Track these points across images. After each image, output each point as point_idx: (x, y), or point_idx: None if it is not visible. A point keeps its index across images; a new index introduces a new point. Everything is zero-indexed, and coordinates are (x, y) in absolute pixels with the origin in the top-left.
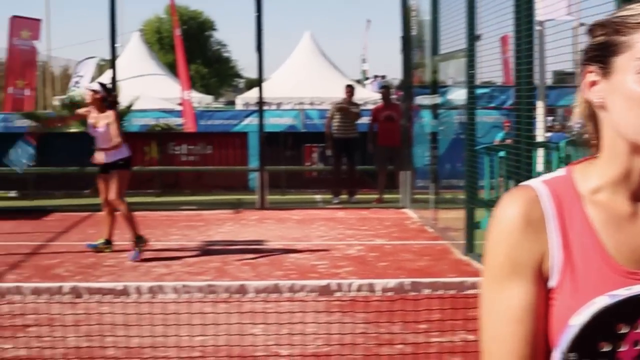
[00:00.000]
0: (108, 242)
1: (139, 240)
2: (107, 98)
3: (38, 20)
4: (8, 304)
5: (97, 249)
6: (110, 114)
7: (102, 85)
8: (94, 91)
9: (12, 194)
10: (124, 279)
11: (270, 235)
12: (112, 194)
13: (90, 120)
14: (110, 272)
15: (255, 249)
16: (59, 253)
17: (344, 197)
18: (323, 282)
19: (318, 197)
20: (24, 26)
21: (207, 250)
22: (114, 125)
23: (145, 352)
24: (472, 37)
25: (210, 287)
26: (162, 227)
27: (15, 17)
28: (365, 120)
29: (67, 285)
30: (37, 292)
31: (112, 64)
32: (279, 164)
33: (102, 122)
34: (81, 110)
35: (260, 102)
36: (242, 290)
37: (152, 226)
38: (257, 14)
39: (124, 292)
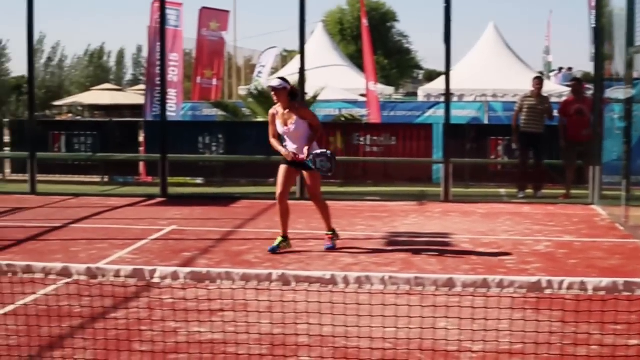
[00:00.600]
0: (285, 239)
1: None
2: (292, 91)
3: (227, 11)
4: (205, 289)
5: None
6: (299, 108)
7: (283, 79)
8: (276, 88)
9: (199, 180)
10: (311, 267)
11: (456, 229)
12: (318, 189)
13: (279, 119)
14: (299, 259)
15: (441, 242)
16: (248, 240)
17: (529, 191)
18: (533, 279)
19: (503, 191)
20: (213, 17)
21: (392, 241)
22: (311, 115)
23: (337, 341)
24: None
25: (418, 279)
26: (348, 217)
27: (204, 8)
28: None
29: (275, 272)
30: (246, 278)
31: (301, 54)
32: (462, 157)
33: (293, 117)
34: (272, 112)
35: (447, 94)
36: (449, 283)
37: (338, 216)
38: (445, 5)
39: (332, 281)
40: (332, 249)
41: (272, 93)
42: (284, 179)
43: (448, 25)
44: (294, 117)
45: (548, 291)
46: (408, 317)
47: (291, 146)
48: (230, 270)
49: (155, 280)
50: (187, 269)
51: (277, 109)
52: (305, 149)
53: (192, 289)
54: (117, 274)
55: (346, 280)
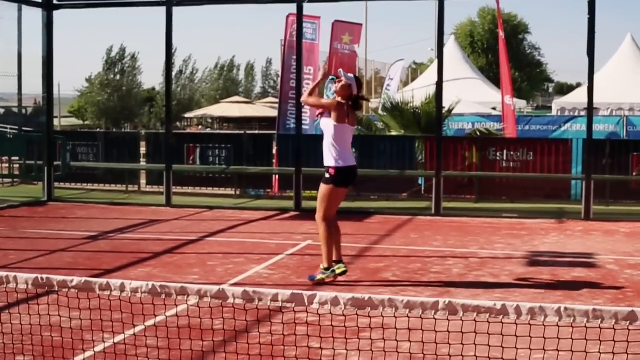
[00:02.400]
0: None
1: (328, 271)
2: (356, 95)
3: (359, 25)
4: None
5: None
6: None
7: (357, 78)
8: (346, 76)
9: None
10: (452, 287)
11: (599, 249)
12: (317, 209)
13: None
14: (438, 279)
15: (585, 263)
16: (385, 257)
17: None
18: None
19: None
20: (346, 30)
21: (534, 261)
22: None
23: None
24: None
25: (596, 312)
26: (485, 235)
27: (337, 21)
28: None
29: (442, 300)
30: (409, 306)
31: (439, 67)
32: (602, 173)
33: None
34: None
35: (590, 108)
36: (631, 317)
37: (475, 233)
38: (589, 16)
39: (503, 311)
40: (312, 280)
41: (336, 81)
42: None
43: (592, 38)
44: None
45: None
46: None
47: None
48: (394, 297)
49: (314, 306)
50: (349, 295)
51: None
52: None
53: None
54: (275, 299)
55: (518, 311)
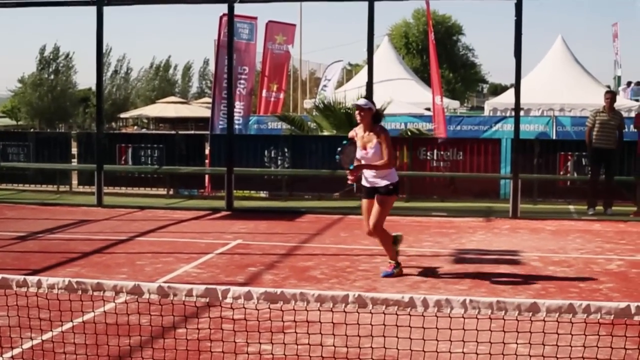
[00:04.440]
0: (397, 264)
1: (397, 266)
2: (377, 113)
3: (293, 25)
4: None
5: (394, 275)
6: (380, 132)
7: (369, 99)
8: (362, 107)
9: (263, 194)
10: (378, 284)
11: (525, 246)
12: (376, 220)
13: (358, 141)
14: (365, 276)
15: (510, 260)
16: (314, 255)
17: (599, 208)
18: (622, 305)
19: (572, 207)
20: (279, 31)
21: (460, 258)
22: (388, 144)
23: None
24: None
25: (499, 303)
26: (414, 233)
27: (271, 22)
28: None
29: (351, 294)
30: (320, 299)
31: (369, 68)
32: (531, 172)
33: (373, 141)
34: (351, 134)
35: (517, 109)
36: (533, 308)
37: (404, 231)
38: (516, 18)
39: (410, 304)
40: (390, 275)
41: (357, 112)
42: (366, 214)
43: (519, 39)
44: (375, 140)
45: (638, 317)
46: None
47: (368, 173)
48: (305, 291)
49: (228, 300)
50: (261, 289)
51: (357, 130)
52: (356, 164)
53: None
54: (189, 294)
55: (425, 304)
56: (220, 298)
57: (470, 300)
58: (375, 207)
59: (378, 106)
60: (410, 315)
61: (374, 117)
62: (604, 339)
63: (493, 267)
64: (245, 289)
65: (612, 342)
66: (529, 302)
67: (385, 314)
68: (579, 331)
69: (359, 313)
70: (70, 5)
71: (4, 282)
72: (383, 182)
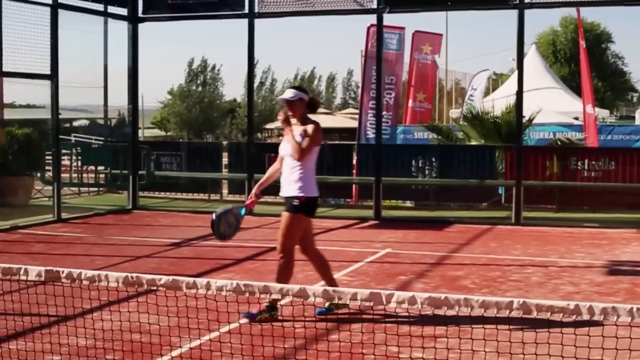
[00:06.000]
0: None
1: (269, 310)
2: (311, 102)
3: (439, 35)
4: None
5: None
6: (311, 124)
7: (298, 88)
8: (291, 100)
9: (409, 204)
10: (530, 295)
11: None
12: (280, 240)
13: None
14: (517, 287)
15: None
16: (464, 265)
17: None
18: None
19: None
20: (426, 41)
21: (614, 270)
22: (312, 137)
23: None
24: None
25: None
26: (565, 244)
27: (417, 32)
28: None
29: (516, 300)
30: (484, 306)
31: (519, 76)
32: None
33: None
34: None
35: None
36: None
37: (555, 242)
38: None
39: (576, 311)
40: (251, 317)
41: (286, 108)
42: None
43: None
44: (302, 129)
45: None
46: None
47: (283, 178)
48: (469, 297)
49: (392, 305)
50: (425, 294)
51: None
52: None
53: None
54: (354, 297)
55: (591, 311)
56: (385, 302)
57: (638, 309)
58: (281, 222)
59: (527, 115)
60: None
61: (309, 107)
62: None
63: None
64: (410, 293)
65: None
66: None
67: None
68: None
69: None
70: (223, 18)
71: (174, 283)
72: (291, 193)
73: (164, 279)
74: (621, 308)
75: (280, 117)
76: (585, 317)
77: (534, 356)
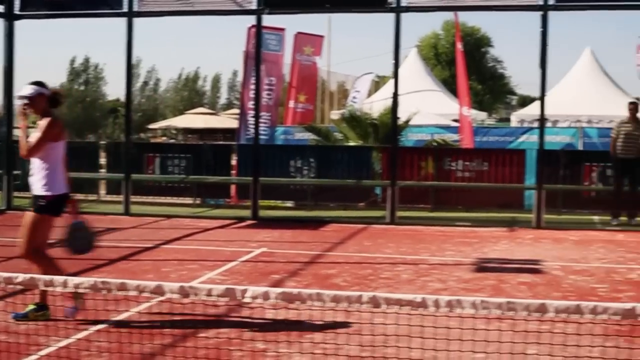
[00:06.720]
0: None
1: (39, 309)
2: (54, 96)
3: (321, 36)
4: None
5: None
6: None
7: (38, 83)
8: (30, 97)
9: (289, 204)
10: (400, 291)
11: (547, 256)
12: (24, 242)
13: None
14: (387, 284)
15: (531, 269)
16: (337, 263)
17: (623, 218)
18: (627, 306)
19: (596, 218)
20: (308, 42)
21: (482, 267)
22: (43, 132)
23: None
24: None
25: (510, 304)
26: (437, 242)
27: (299, 33)
28: None
29: (365, 294)
30: (336, 299)
31: (395, 79)
32: (555, 183)
33: (34, 133)
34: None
35: (542, 119)
36: (541, 309)
37: (427, 241)
38: (542, 29)
39: (422, 304)
40: (21, 317)
41: (24, 104)
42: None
43: (544, 50)
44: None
45: None
46: (498, 343)
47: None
48: (321, 292)
49: (247, 299)
50: (278, 289)
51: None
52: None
53: (282, 309)
54: (209, 293)
55: (437, 304)
56: (239, 298)
57: (481, 301)
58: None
59: (404, 118)
60: (423, 316)
61: (51, 102)
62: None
63: (514, 276)
64: (263, 289)
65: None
66: (537, 302)
67: (397, 314)
68: (586, 332)
69: (372, 314)
70: (101, 17)
71: (31, 281)
72: (37, 192)
73: (21, 276)
74: (465, 301)
75: (19, 113)
76: (432, 309)
77: (389, 347)
